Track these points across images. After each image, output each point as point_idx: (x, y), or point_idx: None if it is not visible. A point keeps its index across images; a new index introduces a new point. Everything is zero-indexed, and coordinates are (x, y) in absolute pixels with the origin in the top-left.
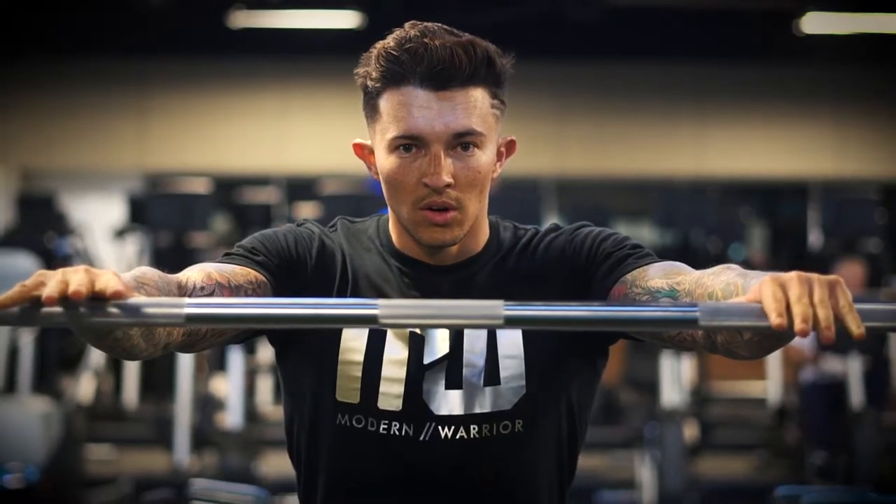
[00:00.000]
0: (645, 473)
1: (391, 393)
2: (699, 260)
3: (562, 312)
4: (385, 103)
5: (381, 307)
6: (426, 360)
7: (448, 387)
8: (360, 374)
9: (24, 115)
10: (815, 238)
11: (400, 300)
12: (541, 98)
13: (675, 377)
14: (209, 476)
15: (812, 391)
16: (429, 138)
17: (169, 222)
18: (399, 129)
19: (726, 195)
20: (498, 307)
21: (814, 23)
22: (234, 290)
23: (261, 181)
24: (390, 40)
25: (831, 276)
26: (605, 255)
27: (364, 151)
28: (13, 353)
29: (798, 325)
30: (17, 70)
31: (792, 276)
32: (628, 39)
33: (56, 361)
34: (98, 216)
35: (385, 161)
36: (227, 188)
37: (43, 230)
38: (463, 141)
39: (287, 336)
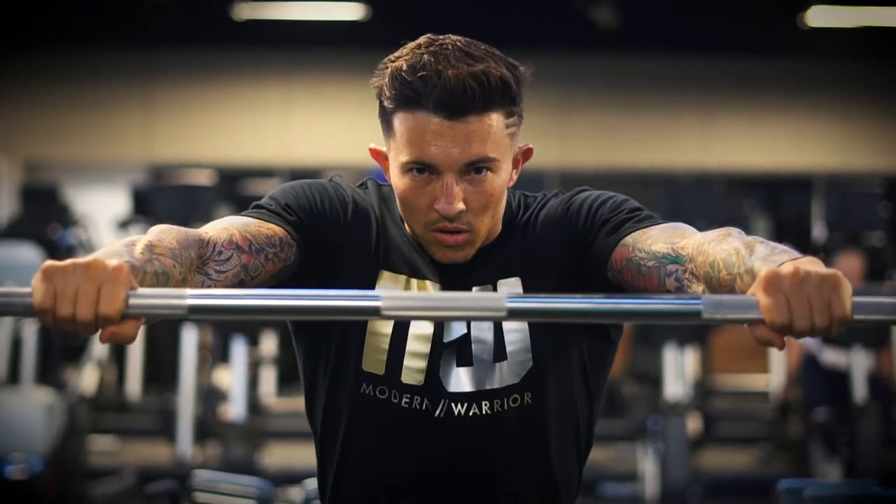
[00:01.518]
0: (648, 466)
1: (414, 367)
2: None
3: (565, 305)
4: (399, 124)
5: (383, 299)
6: (445, 339)
7: (459, 364)
8: (387, 346)
9: (28, 106)
10: (818, 231)
11: (402, 292)
12: (545, 91)
13: (679, 370)
14: (212, 467)
15: (812, 379)
16: (441, 167)
17: (173, 214)
18: (412, 154)
19: (730, 188)
20: (501, 299)
21: (819, 16)
22: (254, 253)
23: (265, 173)
24: (403, 62)
25: (830, 275)
26: (602, 220)
27: (380, 157)
28: (17, 344)
29: (797, 325)
30: (21, 61)
31: (789, 275)
32: (633, 33)
33: (59, 352)
34: (102, 207)
35: (398, 180)
36: (231, 180)
37: (47, 221)
38: (476, 167)
39: None
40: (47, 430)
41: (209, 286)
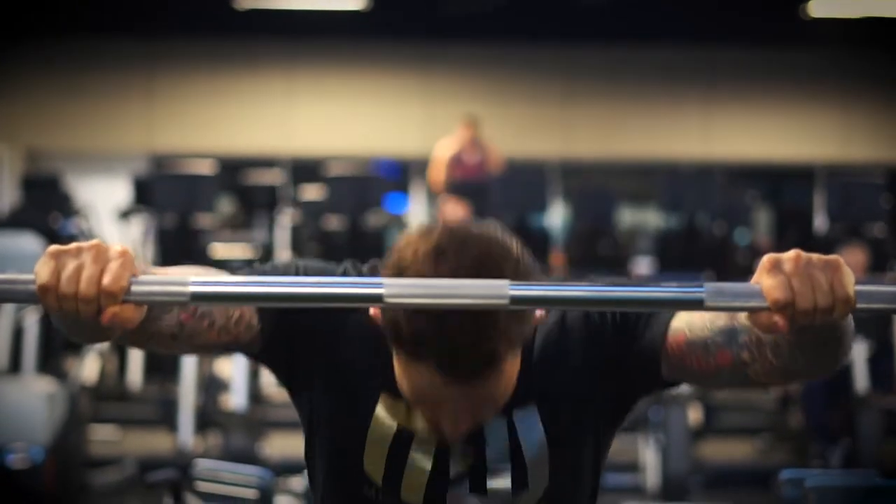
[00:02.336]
0: (649, 457)
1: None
2: (704, 243)
3: (568, 293)
4: (399, 360)
5: (386, 286)
6: (452, 473)
7: (473, 490)
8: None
9: (30, 95)
10: (820, 222)
11: (405, 279)
12: (547, 81)
13: None
14: (213, 457)
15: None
16: (445, 421)
17: (174, 203)
18: (414, 398)
19: (732, 179)
20: (504, 286)
21: (821, 6)
22: (196, 317)
23: (266, 162)
24: (403, 319)
25: (832, 259)
26: (633, 322)
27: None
28: (18, 334)
29: (800, 304)
30: (23, 51)
31: (791, 257)
32: (635, 22)
33: (61, 342)
34: (104, 197)
35: (401, 379)
36: (233, 169)
37: (48, 211)
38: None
39: (310, 422)
40: (48, 420)
41: (143, 327)
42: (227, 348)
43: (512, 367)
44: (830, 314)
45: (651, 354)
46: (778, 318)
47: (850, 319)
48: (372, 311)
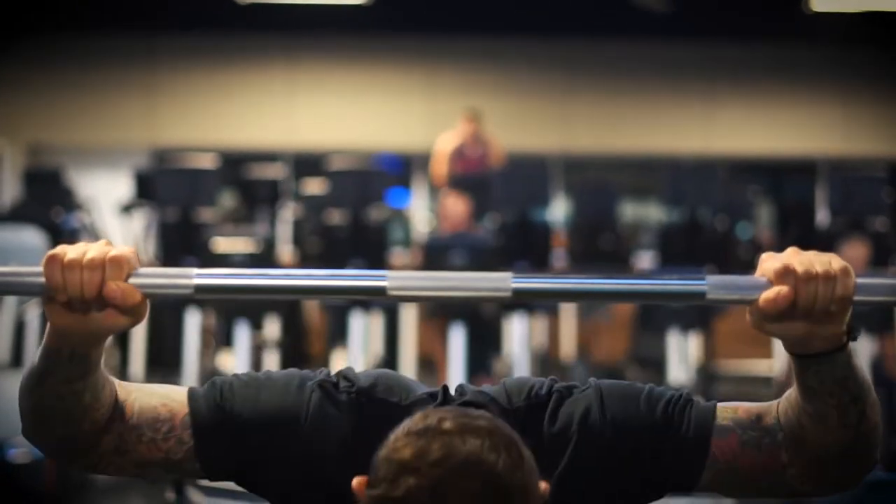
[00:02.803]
0: None
1: None
2: (705, 238)
3: (570, 285)
4: None
5: (389, 279)
6: None
7: None
8: None
9: (32, 90)
10: (822, 216)
11: (407, 272)
12: (549, 75)
13: (682, 355)
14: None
15: None
16: None
17: (176, 198)
18: None
19: (734, 173)
20: (506, 279)
21: (823, 1)
22: (139, 441)
23: (268, 157)
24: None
25: (837, 265)
26: (672, 416)
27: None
28: (20, 327)
29: (800, 271)
30: (25, 46)
31: (791, 249)
32: (636, 17)
33: None
34: (105, 191)
35: None
36: (235, 164)
37: (50, 205)
38: None
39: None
40: None
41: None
42: (162, 466)
43: None
44: (831, 297)
45: (694, 456)
46: (780, 289)
47: (873, 401)
48: (356, 483)
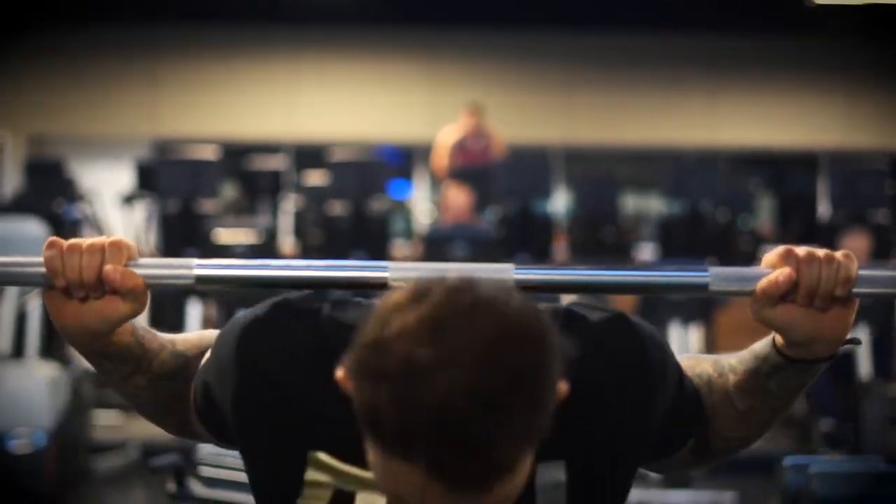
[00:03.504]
0: None
1: None
2: (707, 230)
3: (573, 277)
4: (374, 454)
5: (390, 270)
6: None
7: None
8: None
9: (33, 81)
10: (823, 209)
11: (409, 263)
12: (551, 67)
13: (683, 347)
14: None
15: None
16: None
17: (178, 189)
18: (391, 500)
19: (735, 165)
20: (508, 270)
21: None
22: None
23: (270, 148)
24: (386, 407)
25: (839, 252)
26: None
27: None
28: (21, 319)
29: (802, 256)
30: (27, 37)
31: (794, 245)
32: (639, 9)
33: None
34: (107, 182)
35: (375, 469)
36: (237, 155)
37: (52, 196)
38: None
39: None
40: (51, 405)
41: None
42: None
43: (525, 465)
44: (834, 282)
45: (695, 405)
46: (781, 270)
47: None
48: (339, 374)
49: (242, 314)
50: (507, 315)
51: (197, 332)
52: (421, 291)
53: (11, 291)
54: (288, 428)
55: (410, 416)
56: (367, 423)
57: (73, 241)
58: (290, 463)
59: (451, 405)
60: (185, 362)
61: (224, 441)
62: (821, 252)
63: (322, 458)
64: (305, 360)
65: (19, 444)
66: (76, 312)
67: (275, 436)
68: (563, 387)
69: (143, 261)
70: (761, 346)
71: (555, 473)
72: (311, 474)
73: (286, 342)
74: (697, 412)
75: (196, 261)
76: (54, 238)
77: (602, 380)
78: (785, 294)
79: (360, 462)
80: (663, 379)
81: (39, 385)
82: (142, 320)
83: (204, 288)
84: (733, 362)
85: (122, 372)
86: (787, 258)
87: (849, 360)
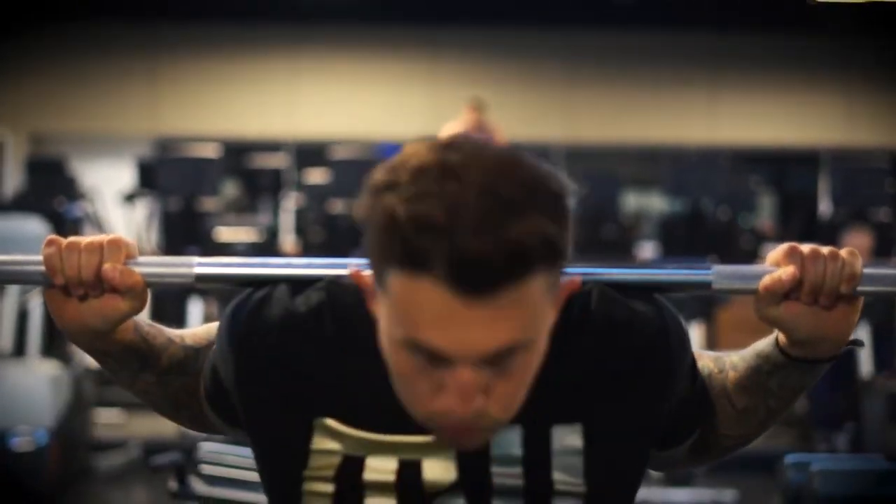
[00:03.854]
0: None
1: None
2: (708, 228)
3: (576, 274)
4: (395, 285)
5: None
6: (427, 491)
7: None
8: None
9: (34, 79)
10: (825, 207)
11: None
12: (552, 65)
13: None
14: (218, 440)
15: None
16: (453, 357)
17: (179, 187)
18: (411, 333)
19: (736, 163)
20: None
21: None
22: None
23: (271, 146)
24: (402, 207)
25: (844, 249)
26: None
27: (364, 287)
28: (22, 317)
29: (807, 253)
30: (28, 34)
31: (804, 246)
32: (640, 6)
33: None
34: (108, 180)
35: (389, 346)
36: (238, 153)
37: (53, 194)
38: (503, 356)
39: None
40: (53, 403)
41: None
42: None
43: (543, 302)
44: (839, 262)
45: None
46: (785, 268)
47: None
48: (350, 272)
49: (243, 293)
50: (521, 163)
51: (205, 325)
52: (423, 169)
53: (13, 290)
54: (292, 397)
55: (425, 208)
56: (384, 236)
57: (71, 239)
58: (295, 431)
59: (465, 200)
60: (195, 354)
61: (233, 425)
62: (825, 249)
63: (328, 423)
64: (305, 329)
65: (20, 443)
66: (76, 311)
67: (279, 406)
68: (575, 280)
69: (142, 259)
70: (764, 344)
71: (571, 437)
72: (319, 441)
73: (284, 313)
74: (705, 404)
75: (196, 259)
76: (53, 236)
77: (625, 352)
78: (789, 291)
79: (367, 426)
80: (682, 362)
81: (41, 383)
82: (144, 316)
83: (204, 286)
84: (735, 359)
85: (130, 369)
86: (792, 255)
87: (850, 358)
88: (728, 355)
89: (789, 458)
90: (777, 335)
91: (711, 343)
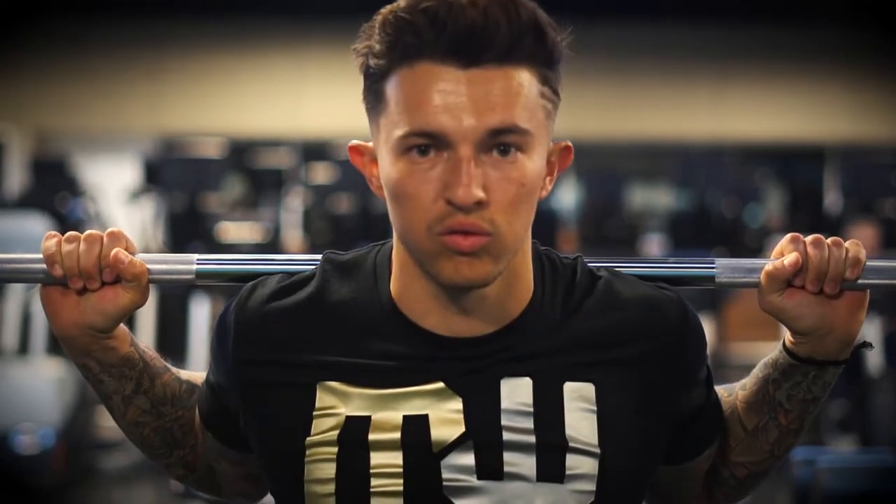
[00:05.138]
0: None
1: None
2: (714, 223)
3: None
4: (393, 88)
5: None
6: (435, 447)
7: (482, 476)
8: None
9: (37, 77)
10: (831, 201)
11: None
12: None
13: None
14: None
15: None
16: (453, 136)
17: (183, 185)
18: (412, 122)
19: (742, 158)
20: None
21: None
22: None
23: (275, 144)
24: (399, 3)
25: (848, 241)
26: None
27: (363, 158)
28: (27, 316)
29: (810, 241)
30: (31, 31)
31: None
32: (645, 0)
33: None
34: (112, 178)
35: (392, 168)
36: (242, 150)
37: (56, 192)
38: (501, 141)
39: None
40: (58, 403)
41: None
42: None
43: (537, 105)
44: (842, 248)
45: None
46: (789, 255)
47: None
48: (350, 146)
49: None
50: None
51: (200, 372)
52: None
53: (17, 288)
54: (292, 365)
55: (422, 6)
56: (388, 40)
57: (71, 232)
58: (298, 399)
59: None
60: (190, 388)
61: (232, 446)
62: (829, 238)
63: (331, 384)
64: (299, 293)
65: (26, 442)
66: (73, 307)
67: (279, 376)
68: (569, 146)
69: (143, 256)
70: (771, 353)
71: (584, 394)
72: (321, 403)
73: (278, 285)
74: (719, 419)
75: (196, 256)
76: (53, 232)
77: (641, 321)
78: (792, 277)
79: (370, 383)
80: (696, 351)
81: (46, 382)
82: (146, 320)
83: (205, 283)
84: (744, 381)
85: (124, 391)
86: (795, 243)
87: (859, 353)
88: (738, 382)
89: (797, 455)
90: (784, 338)
91: (720, 338)
